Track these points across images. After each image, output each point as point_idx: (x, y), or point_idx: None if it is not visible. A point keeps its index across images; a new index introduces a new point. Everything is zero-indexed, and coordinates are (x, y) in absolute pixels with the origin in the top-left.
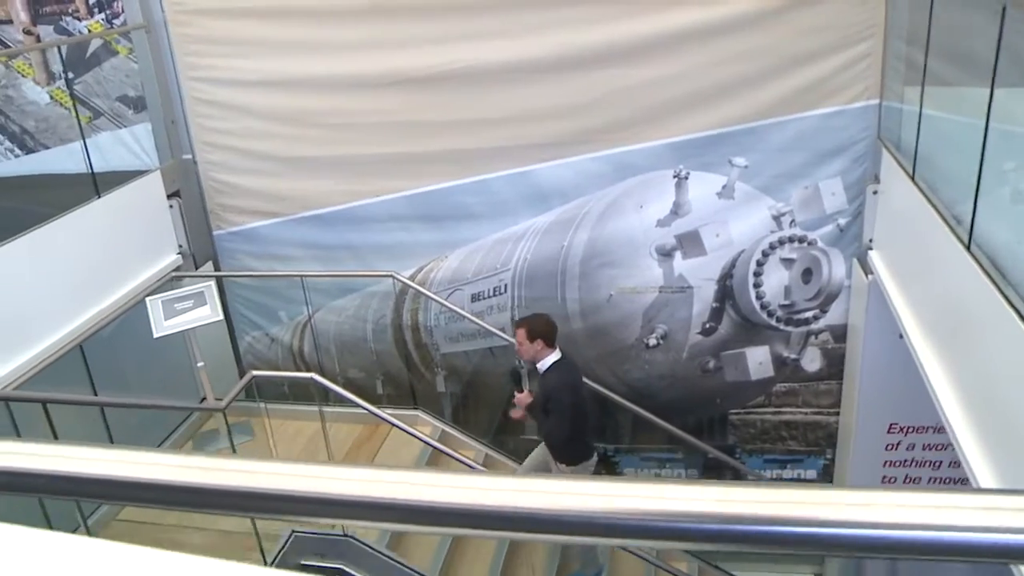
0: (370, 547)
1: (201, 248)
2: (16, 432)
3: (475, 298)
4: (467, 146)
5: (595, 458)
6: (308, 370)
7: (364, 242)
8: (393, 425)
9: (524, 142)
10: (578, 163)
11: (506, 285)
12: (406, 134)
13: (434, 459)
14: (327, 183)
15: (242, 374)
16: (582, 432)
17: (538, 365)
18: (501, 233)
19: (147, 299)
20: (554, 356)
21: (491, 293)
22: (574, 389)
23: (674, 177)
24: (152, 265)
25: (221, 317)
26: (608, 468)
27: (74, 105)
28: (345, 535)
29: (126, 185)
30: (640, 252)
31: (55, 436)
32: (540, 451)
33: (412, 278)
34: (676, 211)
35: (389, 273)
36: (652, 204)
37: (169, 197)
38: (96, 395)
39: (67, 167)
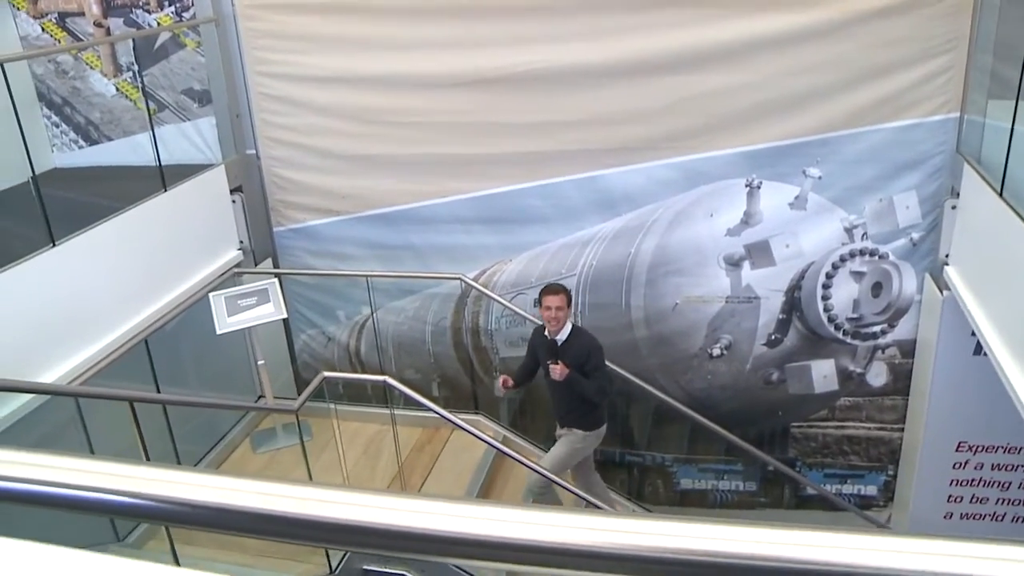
0: None
1: (260, 244)
2: (83, 424)
3: (537, 303)
4: (536, 149)
5: (606, 424)
6: (364, 370)
7: (426, 243)
8: (467, 431)
9: (594, 146)
10: (649, 169)
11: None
12: (474, 135)
13: (496, 464)
14: (391, 182)
15: (297, 372)
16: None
17: (559, 335)
18: (567, 238)
19: (210, 295)
20: (571, 322)
21: None
22: (601, 346)
23: (746, 186)
24: (214, 260)
25: (285, 315)
26: (665, 478)
27: (146, 99)
28: None
29: (192, 179)
30: (708, 261)
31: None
32: (561, 445)
33: (475, 281)
34: (746, 221)
35: (457, 276)
36: (722, 213)
37: (231, 192)
38: (158, 390)
39: (129, 159)
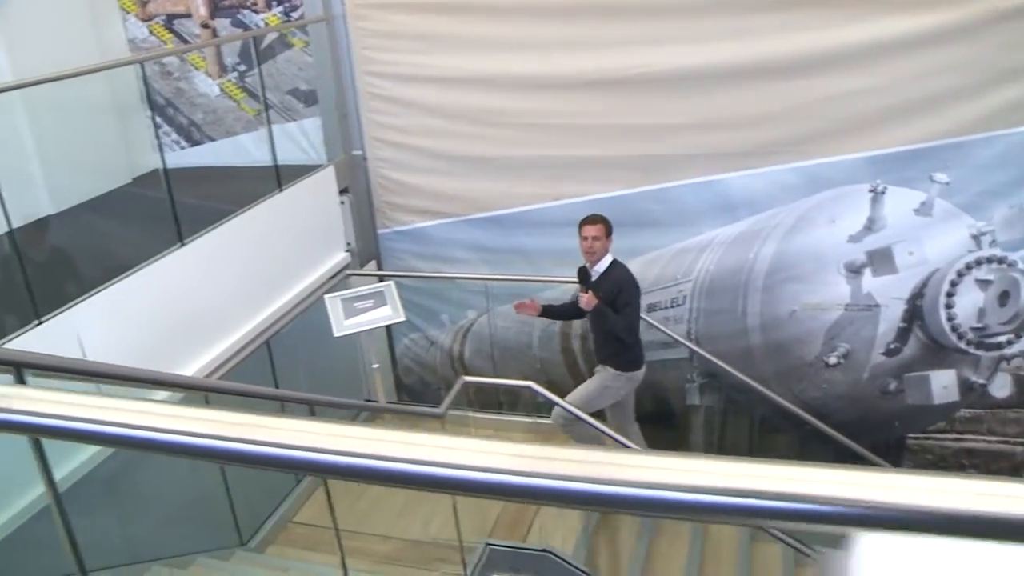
0: (567, 562)
1: (365, 246)
2: None
3: (651, 308)
4: (654, 152)
5: (644, 368)
6: (467, 374)
7: (537, 247)
8: (616, 440)
9: (714, 150)
10: (770, 173)
11: (685, 296)
12: (591, 137)
13: None
14: (503, 185)
15: (398, 377)
16: (637, 335)
17: (597, 267)
18: (684, 243)
19: (326, 297)
20: (610, 256)
21: (668, 304)
22: (637, 284)
23: (870, 192)
24: (324, 262)
25: (403, 318)
26: None
27: (264, 100)
28: (543, 550)
29: (304, 179)
30: (828, 268)
31: None
32: (594, 380)
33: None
34: (869, 227)
35: (574, 279)
36: (844, 218)
37: (340, 194)
38: (276, 382)
39: (231, 160)
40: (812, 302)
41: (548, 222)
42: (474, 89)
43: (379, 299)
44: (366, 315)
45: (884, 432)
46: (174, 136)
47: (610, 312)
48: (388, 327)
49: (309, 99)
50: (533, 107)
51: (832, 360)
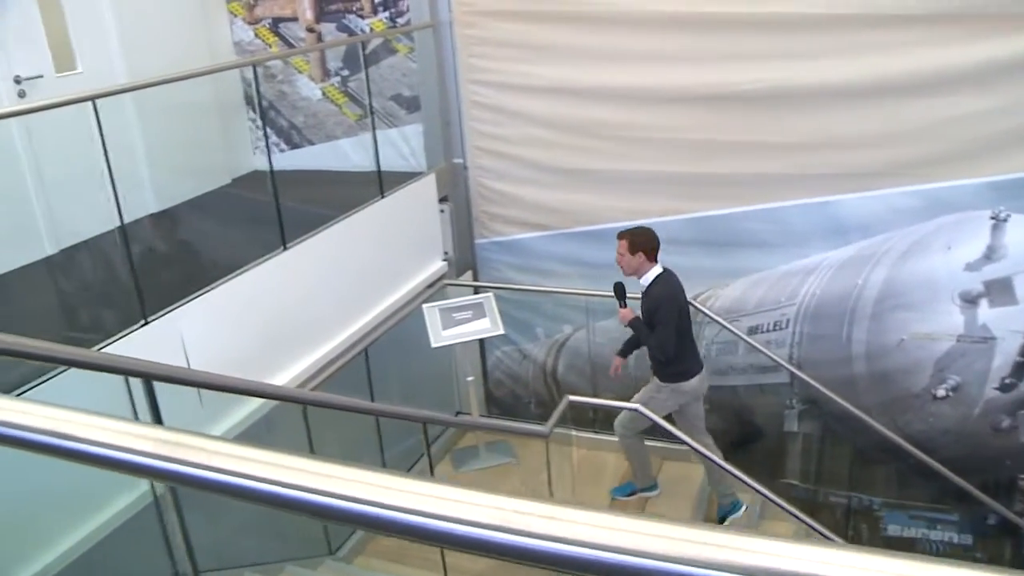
0: None
1: (462, 256)
2: (308, 430)
3: (752, 331)
4: (763, 170)
5: (695, 382)
6: (559, 390)
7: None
8: (731, 474)
9: (826, 170)
10: (885, 196)
11: (788, 320)
12: (698, 153)
13: (715, 502)
14: (606, 199)
15: (488, 389)
16: (685, 351)
17: (641, 280)
18: (790, 265)
19: (424, 307)
20: (656, 270)
21: (771, 327)
22: (677, 301)
23: (991, 219)
24: (421, 271)
25: (502, 331)
26: (871, 523)
27: (370, 105)
28: None
29: (406, 185)
30: (941, 296)
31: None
32: (642, 390)
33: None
34: (988, 255)
35: (689, 301)
36: (962, 245)
37: (440, 202)
38: (372, 399)
39: (330, 164)
40: (922, 331)
41: None
42: (580, 100)
43: (478, 311)
44: (464, 327)
45: (994, 471)
46: (274, 139)
47: (644, 328)
48: (481, 340)
49: (411, 105)
50: (639, 120)
51: (941, 393)
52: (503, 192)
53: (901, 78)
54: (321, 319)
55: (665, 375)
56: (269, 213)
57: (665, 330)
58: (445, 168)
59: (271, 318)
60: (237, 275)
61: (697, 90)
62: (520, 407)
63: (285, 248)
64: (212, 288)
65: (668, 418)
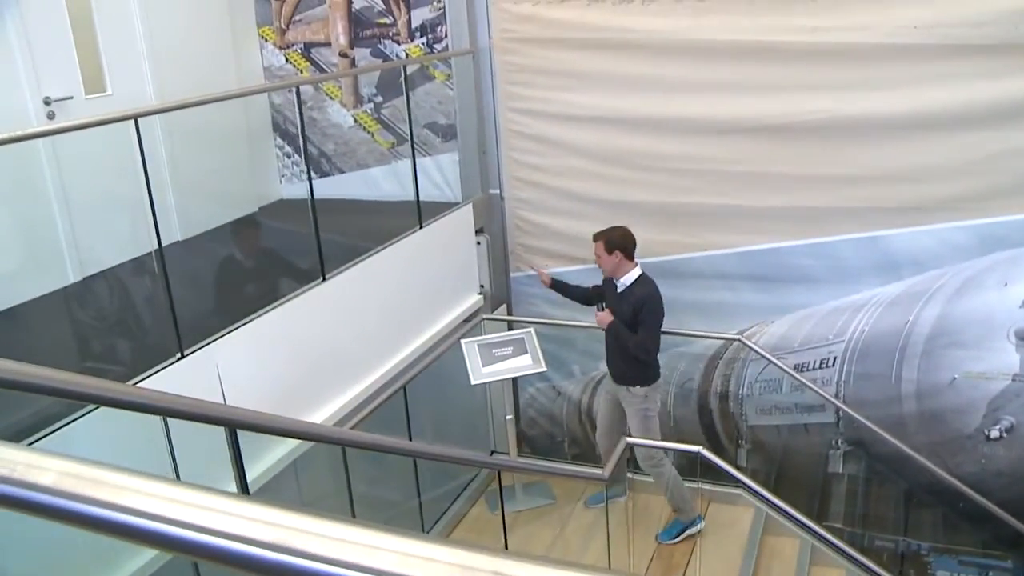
0: None
1: (497, 290)
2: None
3: (798, 369)
4: (812, 204)
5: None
6: (593, 428)
7: (680, 299)
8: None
9: (879, 204)
10: (940, 231)
11: (835, 358)
12: (746, 186)
13: (764, 547)
14: (647, 232)
15: (521, 429)
16: (655, 355)
17: (619, 280)
18: (838, 301)
19: (463, 343)
20: (636, 271)
21: (816, 365)
22: (661, 302)
23: None
24: (458, 305)
25: (544, 368)
26: (919, 568)
27: (411, 130)
28: None
29: (444, 216)
30: (996, 334)
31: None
32: (607, 406)
33: (729, 342)
34: None
35: (736, 336)
36: (1019, 282)
37: (476, 234)
38: (410, 438)
39: (360, 193)
40: (976, 371)
41: (694, 273)
42: (623, 130)
43: (519, 347)
44: (505, 363)
45: None
46: (302, 166)
47: (625, 331)
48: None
49: (447, 134)
50: (684, 151)
51: (994, 434)
52: (540, 224)
53: (956, 110)
54: (358, 353)
55: (648, 376)
56: (299, 243)
57: (652, 332)
58: (481, 199)
59: (308, 352)
60: (275, 306)
61: (746, 121)
62: (554, 446)
63: (324, 279)
64: (250, 320)
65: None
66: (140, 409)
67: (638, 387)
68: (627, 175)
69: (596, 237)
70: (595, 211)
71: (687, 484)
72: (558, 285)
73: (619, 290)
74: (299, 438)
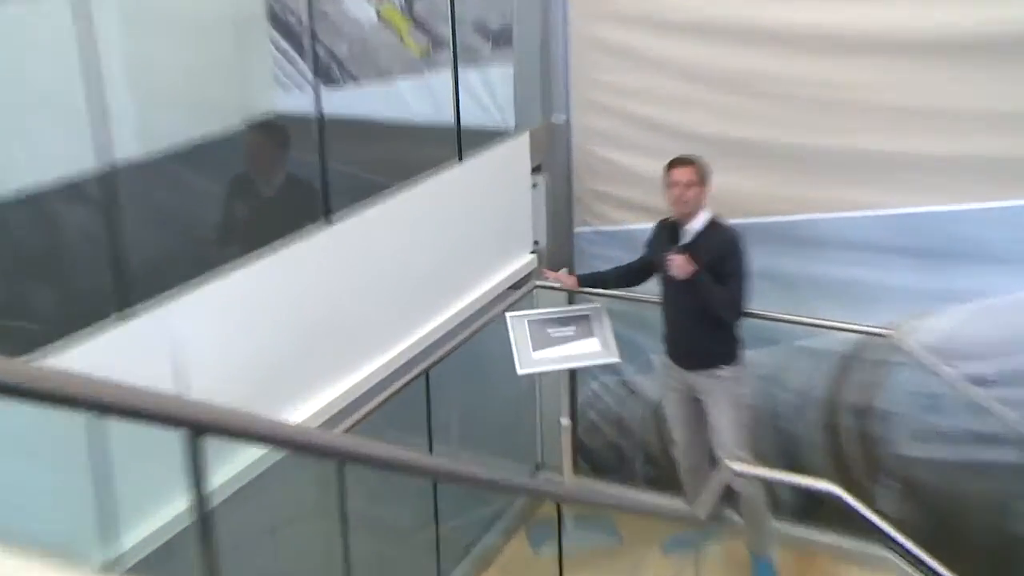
0: None
1: (556, 249)
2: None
3: (975, 382)
4: (1008, 153)
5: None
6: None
7: (802, 273)
8: None
9: None
10: None
11: None
12: (905, 124)
13: None
14: (763, 182)
15: (576, 436)
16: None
17: (687, 227)
18: None
19: (508, 317)
20: (707, 213)
21: (1010, 379)
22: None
23: None
24: (503, 267)
25: (617, 358)
26: None
27: (453, 35)
28: None
29: (490, 149)
30: None
31: None
32: (683, 408)
33: (867, 338)
34: None
35: (883, 331)
36: None
37: (532, 173)
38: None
39: (378, 111)
40: None
41: (821, 241)
42: (737, 43)
43: (583, 327)
44: (564, 347)
45: None
46: (305, 72)
47: (711, 282)
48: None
49: (500, 39)
50: (820, 73)
51: None
52: (619, 164)
53: None
54: (367, 326)
55: (737, 350)
56: (295, 173)
57: (740, 284)
58: (542, 128)
59: (300, 321)
60: (259, 257)
61: (914, 33)
62: (622, 465)
63: (329, 223)
64: (223, 274)
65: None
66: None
67: (725, 367)
68: (739, 104)
69: (684, 162)
70: (696, 150)
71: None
72: (590, 280)
73: (685, 239)
74: (272, 446)
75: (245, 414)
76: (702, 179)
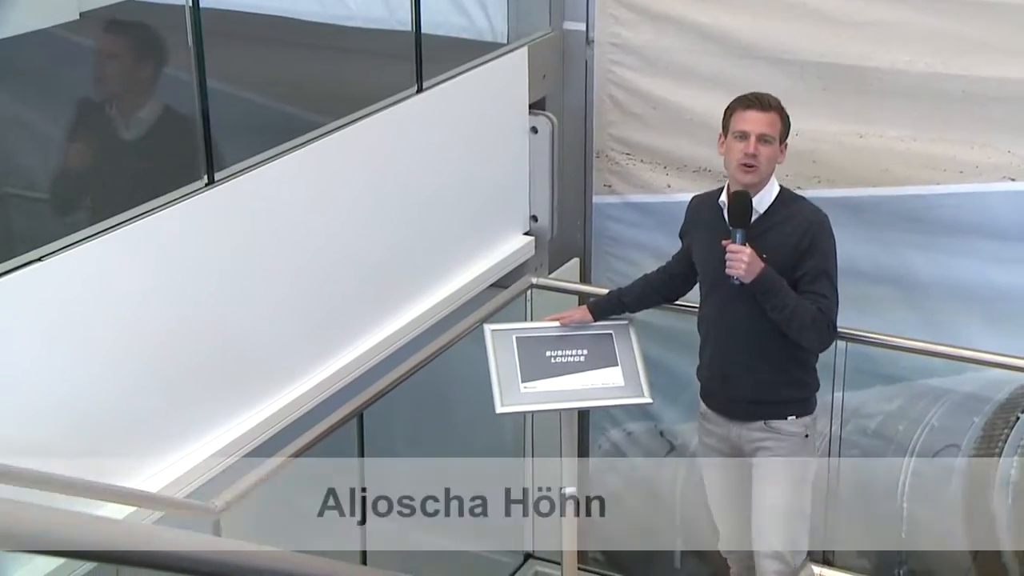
0: None
1: (566, 227)
2: None
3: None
4: None
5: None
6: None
7: (940, 273)
8: None
9: None
10: None
11: None
12: None
13: None
14: (876, 130)
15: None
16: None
17: (758, 197)
18: None
19: (487, 328)
20: (775, 183)
21: None
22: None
23: None
24: (483, 252)
25: (649, 399)
26: None
27: None
28: None
29: (467, 71)
30: None
31: None
32: (725, 477)
33: None
34: None
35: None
36: None
37: (530, 111)
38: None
39: (301, 8)
40: None
41: (961, 223)
42: None
43: (599, 350)
44: (569, 379)
45: None
46: None
47: (785, 286)
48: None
49: None
50: None
51: None
52: (661, 99)
53: None
54: (269, 342)
55: (812, 394)
56: (164, 98)
57: (831, 285)
58: (547, 41)
59: (163, 334)
60: (104, 231)
61: None
62: (653, 560)
63: (211, 183)
64: (48, 254)
65: None
66: None
67: (793, 420)
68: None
69: (753, 103)
70: (777, 83)
71: None
72: (608, 307)
73: (757, 213)
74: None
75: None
76: (784, 132)
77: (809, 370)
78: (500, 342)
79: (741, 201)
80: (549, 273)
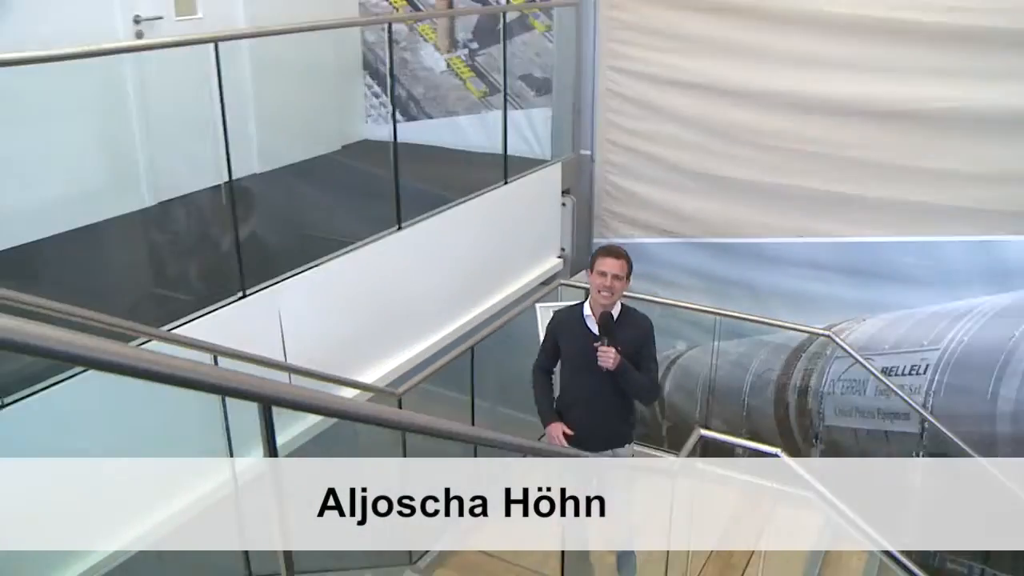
0: None
1: (579, 256)
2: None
3: (885, 373)
4: (924, 199)
5: None
6: (663, 412)
7: (767, 284)
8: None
9: (998, 207)
10: None
11: (928, 366)
12: (852, 173)
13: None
14: (743, 211)
15: None
16: None
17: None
18: (938, 306)
19: (537, 306)
20: (619, 303)
21: (906, 371)
22: None
23: None
24: (535, 267)
25: None
26: None
27: (505, 83)
28: None
29: (530, 173)
30: None
31: None
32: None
33: (811, 336)
34: None
35: (825, 332)
36: None
37: (562, 194)
38: (472, 417)
39: (445, 140)
40: None
41: (785, 259)
42: (728, 101)
43: None
44: None
45: None
46: (389, 108)
47: (635, 372)
48: None
49: (542, 88)
50: (790, 130)
51: None
52: (631, 191)
53: None
54: (427, 310)
55: (632, 427)
56: (378, 187)
57: (656, 369)
58: (571, 159)
59: (375, 303)
60: (346, 252)
61: (865, 104)
62: None
63: (400, 228)
64: (319, 263)
65: None
66: (144, 376)
67: (628, 445)
68: (727, 149)
69: (616, 253)
70: (690, 184)
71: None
72: (554, 410)
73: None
74: (331, 416)
75: (305, 390)
76: (628, 273)
77: (629, 418)
78: (544, 314)
79: (607, 320)
80: (570, 277)
